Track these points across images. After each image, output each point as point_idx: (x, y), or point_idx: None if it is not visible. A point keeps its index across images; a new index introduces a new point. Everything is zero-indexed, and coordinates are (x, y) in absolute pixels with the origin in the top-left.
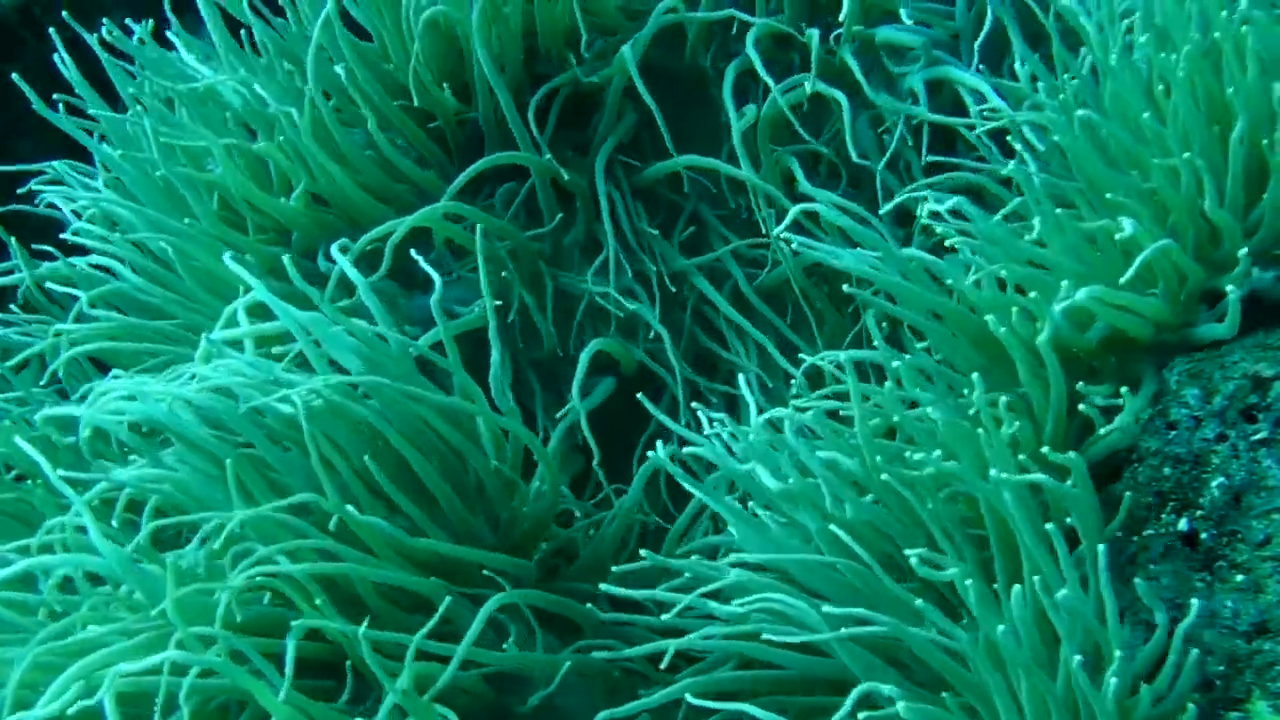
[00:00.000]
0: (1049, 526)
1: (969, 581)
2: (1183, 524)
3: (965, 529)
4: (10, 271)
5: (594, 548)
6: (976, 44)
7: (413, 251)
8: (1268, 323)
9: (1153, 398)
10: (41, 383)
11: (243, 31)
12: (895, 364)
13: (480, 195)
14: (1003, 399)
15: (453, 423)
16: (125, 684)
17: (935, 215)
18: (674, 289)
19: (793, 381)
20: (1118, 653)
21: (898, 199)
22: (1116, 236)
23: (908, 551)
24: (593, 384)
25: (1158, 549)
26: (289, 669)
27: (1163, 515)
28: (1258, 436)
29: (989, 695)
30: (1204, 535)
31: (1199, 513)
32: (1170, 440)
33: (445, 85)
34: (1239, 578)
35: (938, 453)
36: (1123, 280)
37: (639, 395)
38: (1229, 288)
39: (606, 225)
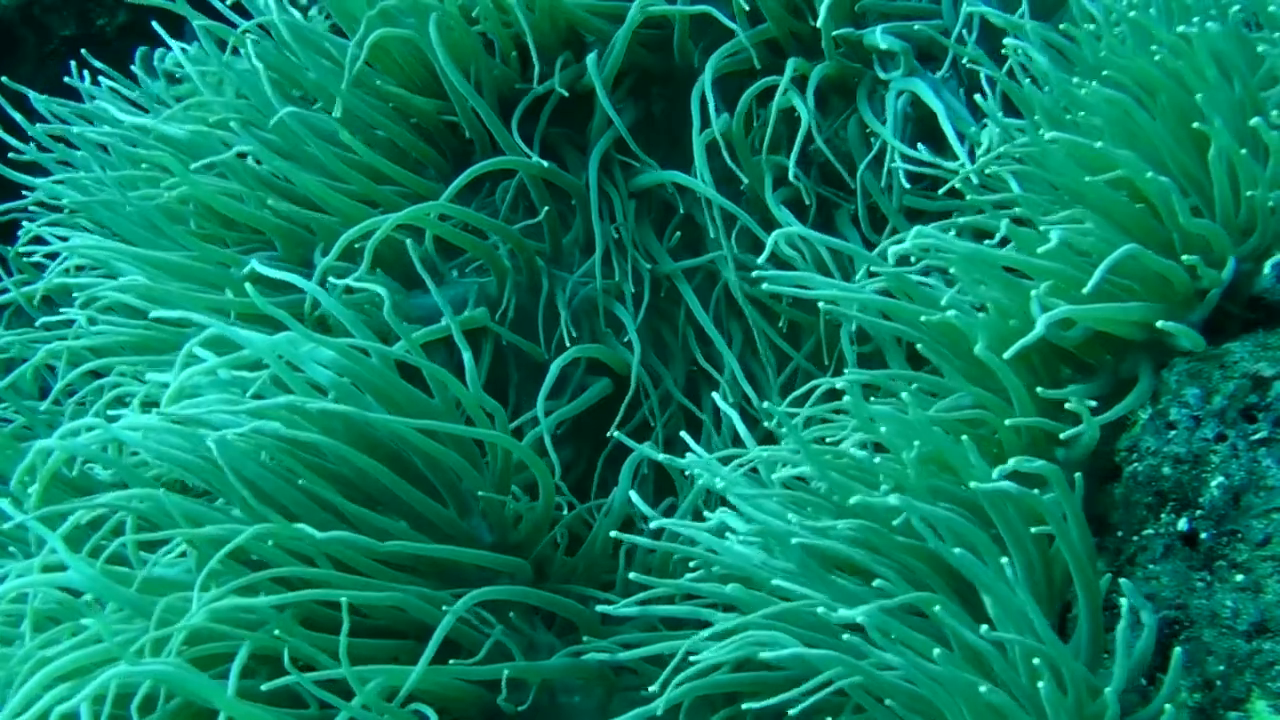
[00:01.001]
0: (957, 550)
1: (860, 618)
2: (1183, 524)
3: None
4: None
5: (587, 550)
6: (953, 34)
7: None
8: (1268, 323)
9: (1150, 396)
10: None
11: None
12: (840, 384)
13: (480, 193)
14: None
15: (441, 439)
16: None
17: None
18: (666, 292)
19: (766, 413)
20: (1035, 661)
21: (882, 248)
22: (1040, 250)
23: (822, 611)
24: (589, 384)
25: (1158, 549)
26: (234, 673)
27: (1162, 515)
28: (1258, 436)
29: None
30: (1204, 535)
31: (1199, 512)
32: (1170, 440)
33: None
34: (1239, 577)
35: (884, 488)
36: (1085, 291)
37: (616, 433)
38: (1158, 323)
39: (597, 229)
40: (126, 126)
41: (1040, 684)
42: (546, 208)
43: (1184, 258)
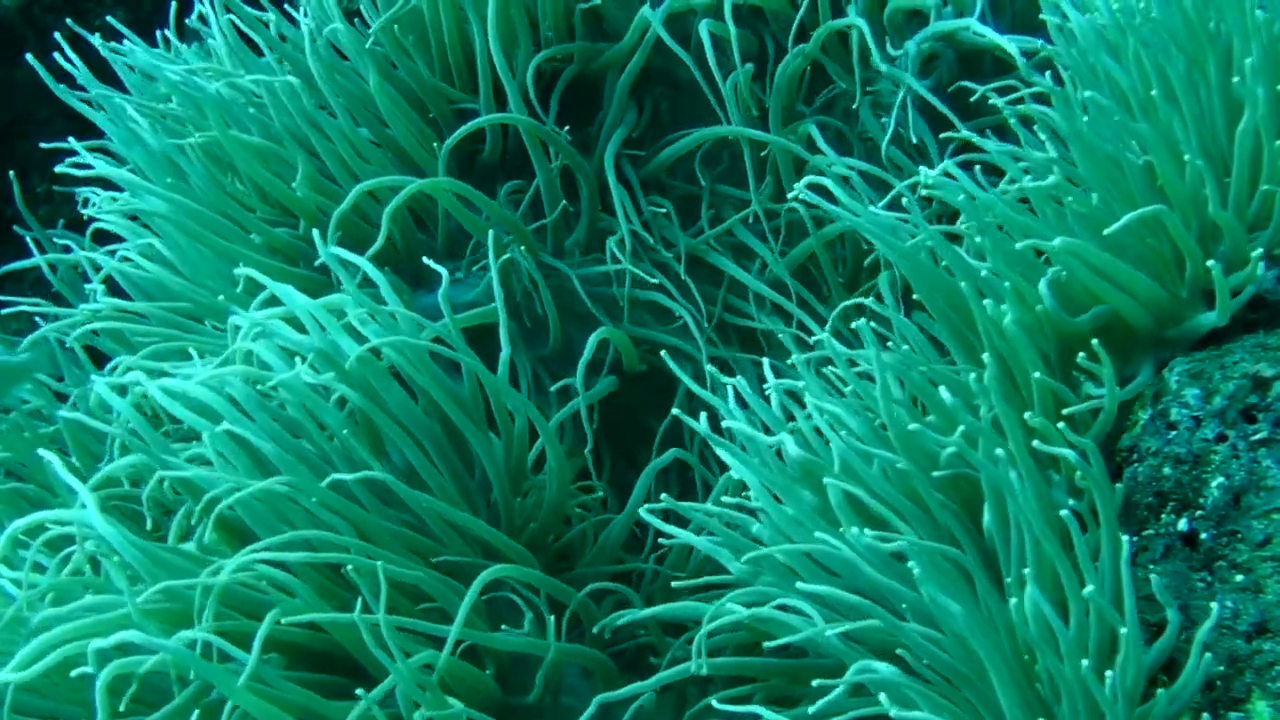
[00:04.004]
0: (1064, 513)
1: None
2: (1183, 524)
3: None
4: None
5: (599, 549)
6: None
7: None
8: (1268, 323)
9: (1150, 391)
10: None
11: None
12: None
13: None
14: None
15: (463, 412)
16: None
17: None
18: (686, 278)
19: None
20: (1124, 629)
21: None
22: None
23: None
24: (593, 383)
25: (1158, 549)
26: (256, 651)
27: (1163, 515)
28: (1258, 436)
29: (986, 682)
30: (1204, 535)
31: (1199, 513)
32: (1170, 440)
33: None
34: (1239, 578)
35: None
36: (1108, 230)
37: (663, 353)
38: (1211, 263)
39: (620, 217)
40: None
41: (1109, 673)
42: (546, 168)
43: (1254, 254)
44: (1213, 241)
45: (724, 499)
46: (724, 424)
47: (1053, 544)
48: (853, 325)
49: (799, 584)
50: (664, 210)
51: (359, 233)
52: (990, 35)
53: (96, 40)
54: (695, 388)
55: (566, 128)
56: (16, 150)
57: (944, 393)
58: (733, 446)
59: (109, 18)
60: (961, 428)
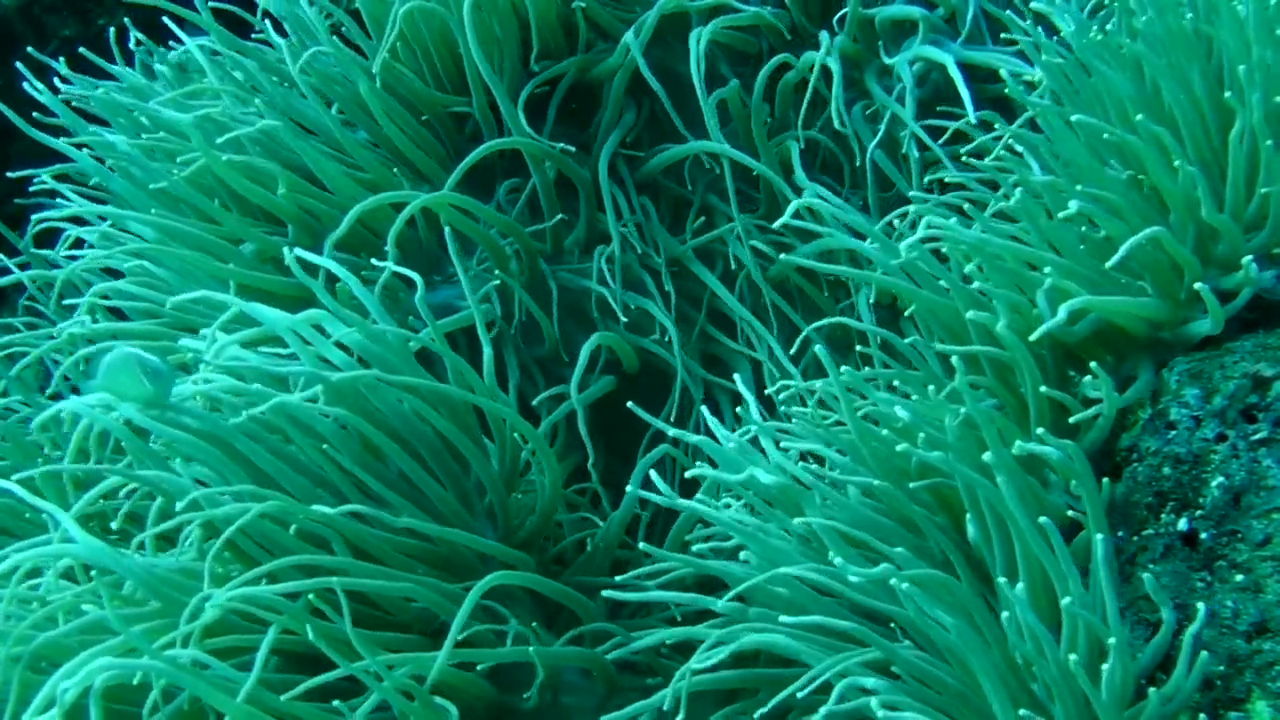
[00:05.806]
0: (1043, 520)
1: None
2: (1183, 524)
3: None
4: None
5: (594, 549)
6: (970, 15)
7: (383, 261)
8: (1268, 323)
9: (1150, 395)
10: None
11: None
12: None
13: (492, 200)
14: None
15: (452, 418)
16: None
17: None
18: (679, 284)
19: (785, 388)
20: (1112, 640)
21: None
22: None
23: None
24: (592, 382)
25: (1158, 549)
26: (257, 668)
27: (1162, 515)
28: (1258, 436)
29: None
30: (1204, 535)
31: (1199, 512)
32: (1170, 440)
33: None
34: (1239, 577)
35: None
36: (1109, 264)
37: (630, 404)
38: (1198, 285)
39: (611, 222)
40: (145, 108)
41: (1104, 666)
42: (559, 212)
43: (1244, 260)
44: (1210, 241)
45: (698, 546)
46: (689, 473)
47: (1039, 545)
48: (816, 349)
49: (783, 618)
50: (655, 218)
51: (356, 236)
52: (960, 85)
53: (61, 64)
54: (663, 426)
55: (560, 147)
56: (14, 151)
57: (899, 411)
58: (692, 505)
59: (77, 50)
60: (922, 436)
